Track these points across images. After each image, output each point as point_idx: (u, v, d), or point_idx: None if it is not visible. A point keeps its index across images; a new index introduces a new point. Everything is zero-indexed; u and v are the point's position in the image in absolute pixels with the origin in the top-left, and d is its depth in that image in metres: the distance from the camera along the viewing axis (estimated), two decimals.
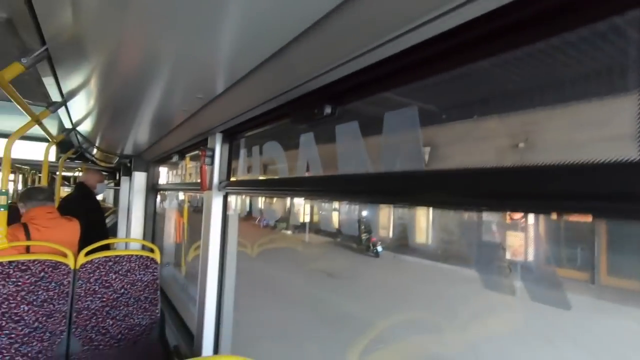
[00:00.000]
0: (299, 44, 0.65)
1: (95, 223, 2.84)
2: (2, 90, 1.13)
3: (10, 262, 1.69)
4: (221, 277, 1.48)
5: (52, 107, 1.68)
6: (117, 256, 1.98)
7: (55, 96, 1.55)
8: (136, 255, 2.04)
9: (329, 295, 6.18)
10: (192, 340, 1.66)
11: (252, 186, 1.43)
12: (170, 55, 0.85)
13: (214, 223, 1.47)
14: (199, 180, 1.52)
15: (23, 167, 7.77)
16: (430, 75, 0.59)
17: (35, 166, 7.27)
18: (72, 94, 1.45)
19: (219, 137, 1.47)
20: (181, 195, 3.55)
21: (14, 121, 2.55)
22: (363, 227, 12.56)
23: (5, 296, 1.64)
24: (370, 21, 0.51)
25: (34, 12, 0.77)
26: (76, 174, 7.45)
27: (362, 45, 0.56)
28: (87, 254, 1.91)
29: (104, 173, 3.96)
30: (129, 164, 3.88)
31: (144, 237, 3.20)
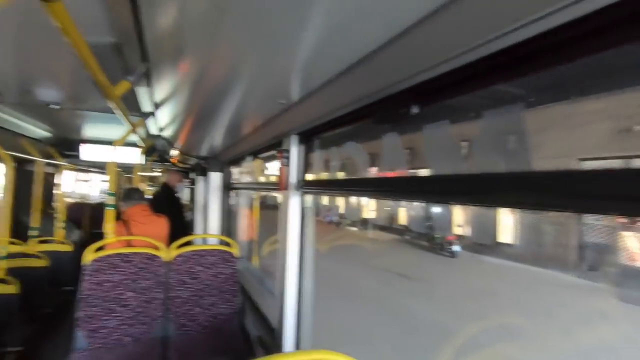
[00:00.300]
0: (386, 49, 0.69)
1: (177, 218, 3.22)
2: (111, 104, 1.32)
3: (117, 254, 1.99)
4: (300, 274, 1.53)
5: (145, 116, 1.93)
6: (202, 250, 2.20)
7: (147, 106, 1.77)
8: (218, 250, 2.23)
9: (404, 298, 5.90)
10: (271, 332, 1.75)
11: (328, 186, 1.47)
12: (256, 64, 0.91)
13: (292, 221, 1.52)
14: (272, 180, 1.60)
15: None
16: (522, 76, 0.57)
17: (124, 169, 8.57)
18: (162, 103, 1.64)
19: (294, 139, 1.52)
20: (251, 194, 3.80)
21: (111, 130, 3.01)
22: (435, 224, 11.80)
23: (115, 283, 1.94)
24: (464, 24, 0.54)
25: (141, 35, 0.88)
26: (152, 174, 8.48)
27: (455, 47, 0.58)
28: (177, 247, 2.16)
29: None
30: (204, 165, 4.30)
31: (221, 233, 3.50)
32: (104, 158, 4.36)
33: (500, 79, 0.60)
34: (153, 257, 2.07)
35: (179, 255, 2.14)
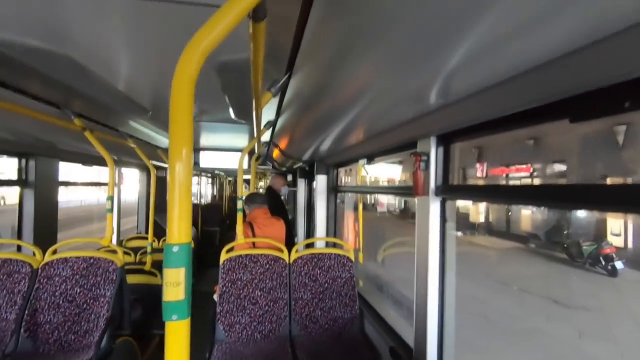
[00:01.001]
0: (546, 68, 0.75)
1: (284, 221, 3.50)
2: (254, 115, 1.51)
3: (246, 255, 2.27)
4: (442, 288, 1.49)
5: (269, 125, 2.15)
6: (320, 254, 2.33)
7: (272, 115, 1.96)
8: (335, 254, 2.33)
9: (575, 337, 4.49)
10: (404, 346, 1.73)
11: (475, 193, 1.39)
12: (397, 74, 0.94)
13: (432, 229, 1.49)
14: (398, 183, 1.58)
15: (221, 174, 10.59)
16: None
17: (231, 173, 9.78)
18: (285, 110, 1.80)
19: (433, 141, 1.49)
20: (356, 198, 3.87)
21: (224, 138, 3.46)
22: (581, 232, 9.87)
23: (245, 282, 2.21)
24: None
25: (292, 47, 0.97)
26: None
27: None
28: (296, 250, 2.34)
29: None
30: (307, 168, 4.57)
31: (327, 235, 3.66)
32: (220, 164, 5.10)
33: None
34: (277, 259, 2.29)
35: (299, 258, 2.31)
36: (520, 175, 11.59)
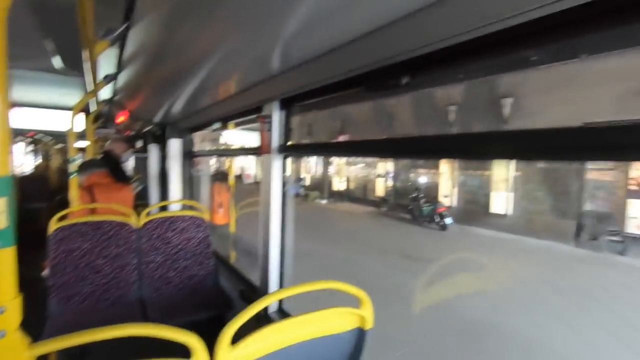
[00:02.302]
0: (377, 32, 0.94)
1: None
2: (85, 64, 1.57)
3: (84, 223, 2.28)
4: (283, 234, 1.92)
5: (108, 79, 2.16)
6: (173, 216, 2.53)
7: (111, 68, 2.00)
8: (189, 216, 2.57)
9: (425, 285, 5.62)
10: (252, 287, 2.16)
11: (309, 149, 1.79)
12: (242, 35, 1.12)
13: (274, 183, 1.87)
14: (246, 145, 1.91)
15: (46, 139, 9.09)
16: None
17: (59, 137, 8.49)
18: (127, 64, 1.89)
19: (276, 105, 1.82)
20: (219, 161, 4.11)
21: (43, 93, 3.15)
22: (422, 195, 12.47)
23: (84, 251, 2.25)
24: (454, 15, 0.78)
25: None
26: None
27: (445, 30, 0.82)
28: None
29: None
30: (159, 132, 4.50)
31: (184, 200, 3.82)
32: (44, 126, 4.49)
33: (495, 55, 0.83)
34: (123, 225, 2.38)
35: (149, 222, 2.46)
36: None
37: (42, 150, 10.88)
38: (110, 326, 0.88)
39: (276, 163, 1.88)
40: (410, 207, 11.84)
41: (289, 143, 1.88)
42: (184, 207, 3.46)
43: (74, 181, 2.39)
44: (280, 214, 1.92)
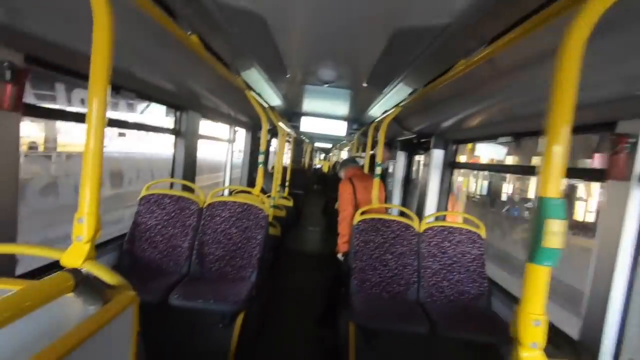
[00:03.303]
0: None
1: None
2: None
3: (379, 219, 2.65)
4: (630, 284, 1.57)
5: (413, 94, 2.44)
6: (451, 227, 2.61)
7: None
8: (466, 229, 2.59)
9: None
10: (554, 330, 1.92)
11: None
12: None
13: (628, 218, 1.54)
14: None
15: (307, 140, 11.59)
16: None
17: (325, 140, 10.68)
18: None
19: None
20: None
21: (327, 104, 4.02)
22: None
23: (377, 244, 2.60)
24: None
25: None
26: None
27: None
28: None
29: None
30: (415, 141, 4.80)
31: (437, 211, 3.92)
32: (318, 129, 5.65)
33: None
34: (408, 226, 2.63)
35: (430, 229, 2.62)
36: None
37: (300, 149, 13.59)
38: None
39: (634, 194, 1.54)
40: None
41: None
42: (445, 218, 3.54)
43: (376, 182, 2.86)
44: (632, 258, 1.57)
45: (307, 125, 6.05)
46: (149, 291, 2.07)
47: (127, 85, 2.36)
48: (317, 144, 14.49)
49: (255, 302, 2.52)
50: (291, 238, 5.98)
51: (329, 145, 15.68)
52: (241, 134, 5.47)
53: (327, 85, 3.01)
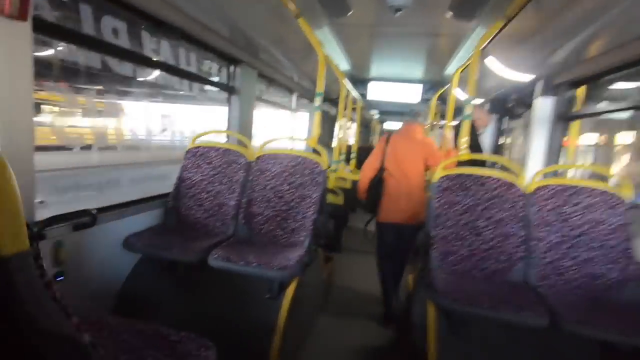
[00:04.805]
0: None
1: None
2: None
3: (469, 175, 2.01)
4: None
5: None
6: (575, 186, 1.88)
7: None
8: (601, 190, 1.83)
9: None
10: None
11: None
12: None
13: None
14: None
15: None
16: None
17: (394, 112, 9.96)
18: None
19: None
20: None
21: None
22: None
23: (466, 207, 1.98)
24: None
25: None
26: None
27: None
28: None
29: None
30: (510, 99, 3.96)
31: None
32: (388, 97, 5.04)
33: None
34: (510, 185, 1.96)
35: (543, 187, 1.91)
36: None
37: (365, 128, 12.99)
38: None
39: None
40: None
41: None
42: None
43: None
44: None
45: (375, 91, 5.43)
46: (190, 251, 1.78)
47: (168, 20, 2.04)
48: (386, 125, 13.53)
49: (312, 273, 2.10)
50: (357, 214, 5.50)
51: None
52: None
53: (398, 12, 2.39)
